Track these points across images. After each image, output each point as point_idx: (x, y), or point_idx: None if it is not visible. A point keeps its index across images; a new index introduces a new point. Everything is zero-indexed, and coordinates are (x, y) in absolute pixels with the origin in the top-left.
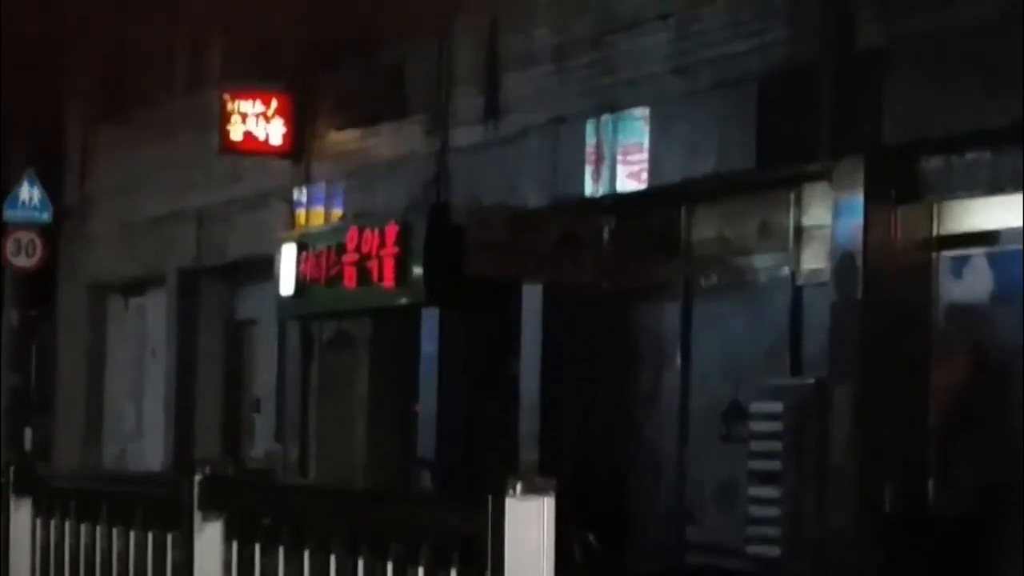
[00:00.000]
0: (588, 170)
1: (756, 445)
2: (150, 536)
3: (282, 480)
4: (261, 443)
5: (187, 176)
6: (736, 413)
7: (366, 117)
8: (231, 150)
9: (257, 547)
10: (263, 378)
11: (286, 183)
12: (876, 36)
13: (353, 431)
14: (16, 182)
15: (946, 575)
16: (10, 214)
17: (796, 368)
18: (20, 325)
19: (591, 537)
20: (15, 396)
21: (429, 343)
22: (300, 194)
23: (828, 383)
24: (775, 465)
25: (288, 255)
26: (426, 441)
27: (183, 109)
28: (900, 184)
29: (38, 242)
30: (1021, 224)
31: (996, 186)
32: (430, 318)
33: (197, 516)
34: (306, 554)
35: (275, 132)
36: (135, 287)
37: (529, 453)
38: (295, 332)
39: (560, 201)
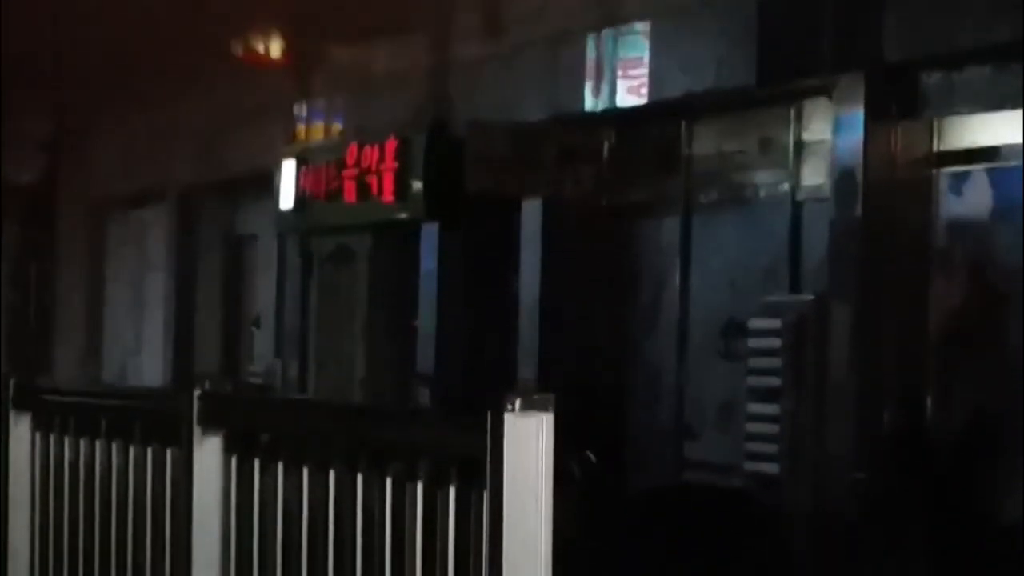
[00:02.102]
0: (588, 85)
1: (755, 362)
2: (149, 451)
3: (281, 395)
4: (260, 358)
5: (187, 90)
6: (735, 329)
7: (366, 32)
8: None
9: (256, 462)
10: (263, 293)
11: (286, 98)
12: None
13: (352, 347)
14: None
15: (943, 494)
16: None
17: (795, 284)
18: (20, 241)
19: (590, 454)
20: (15, 312)
21: (428, 259)
22: (300, 109)
23: (827, 299)
24: (774, 382)
25: (288, 170)
26: (425, 357)
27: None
28: (900, 100)
29: (39, 157)
30: (1022, 140)
31: (997, 102)
32: (430, 233)
33: (196, 431)
34: (305, 470)
35: (275, 46)
36: (135, 202)
37: (528, 370)
38: (295, 247)
39: (560, 116)
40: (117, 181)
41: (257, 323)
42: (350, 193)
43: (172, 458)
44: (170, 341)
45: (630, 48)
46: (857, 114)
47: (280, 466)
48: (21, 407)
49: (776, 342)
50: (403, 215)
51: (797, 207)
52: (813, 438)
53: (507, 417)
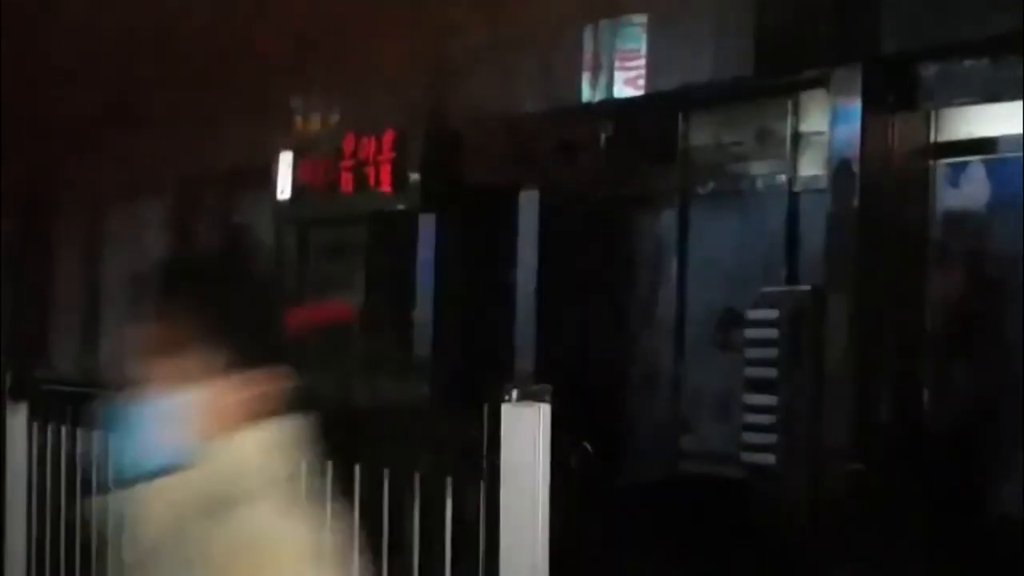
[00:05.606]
0: (585, 76)
1: (752, 352)
2: None
3: None
4: None
5: (185, 81)
6: (732, 320)
7: (364, 23)
8: (229, 54)
9: None
10: None
11: (283, 89)
12: None
13: (348, 338)
14: None
15: (940, 484)
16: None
17: (792, 275)
18: (18, 231)
19: (586, 445)
20: (12, 302)
21: (425, 250)
22: (297, 100)
23: (824, 290)
24: (771, 373)
25: (285, 161)
26: (422, 348)
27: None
28: (898, 91)
29: (37, 148)
30: (1020, 132)
31: (995, 94)
32: (427, 225)
33: None
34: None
35: (272, 38)
36: (132, 193)
37: (525, 361)
38: (291, 238)
39: (557, 108)
40: (114, 170)
41: None
42: (347, 184)
43: None
44: None
45: (627, 40)
46: (854, 105)
47: None
48: (18, 397)
49: (773, 333)
50: (400, 206)
51: (794, 198)
52: (810, 429)
53: (504, 407)
